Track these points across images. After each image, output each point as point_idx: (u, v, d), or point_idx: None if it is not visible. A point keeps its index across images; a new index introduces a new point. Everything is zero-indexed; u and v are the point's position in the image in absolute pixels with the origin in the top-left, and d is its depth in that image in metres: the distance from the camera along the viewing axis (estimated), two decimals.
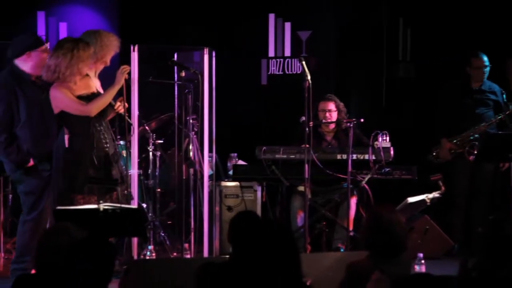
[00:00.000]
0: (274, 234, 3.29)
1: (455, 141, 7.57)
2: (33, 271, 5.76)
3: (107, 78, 6.17)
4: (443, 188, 7.40)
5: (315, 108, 7.41)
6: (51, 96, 5.84)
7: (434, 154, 7.67)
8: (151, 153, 7.53)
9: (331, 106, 7.54)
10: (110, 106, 5.96)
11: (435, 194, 7.40)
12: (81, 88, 5.90)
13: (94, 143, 5.86)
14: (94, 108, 5.84)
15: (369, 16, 8.78)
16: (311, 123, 6.71)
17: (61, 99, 5.81)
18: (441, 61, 8.55)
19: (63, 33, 9.07)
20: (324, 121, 7.52)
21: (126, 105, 6.08)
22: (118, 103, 6.00)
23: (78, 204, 5.65)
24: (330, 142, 7.60)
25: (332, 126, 7.59)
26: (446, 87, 7.81)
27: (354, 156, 7.03)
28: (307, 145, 6.66)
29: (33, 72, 6.05)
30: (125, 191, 6.15)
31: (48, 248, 3.69)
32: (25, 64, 6.07)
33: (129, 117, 6.28)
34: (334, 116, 7.54)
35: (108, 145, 5.93)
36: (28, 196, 6.08)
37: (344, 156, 7.05)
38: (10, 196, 7.60)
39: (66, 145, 5.83)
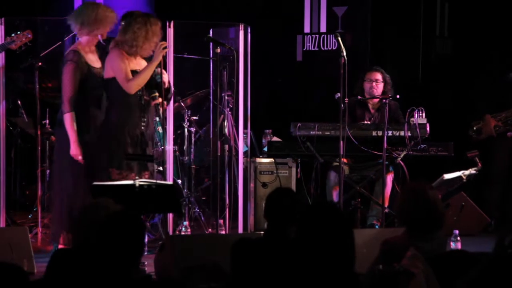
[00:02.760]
0: (319, 213, 3.28)
1: (498, 117, 7.46)
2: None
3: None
4: (479, 164, 7.33)
5: (361, 79, 7.44)
6: (109, 58, 5.93)
7: (475, 128, 7.55)
8: (186, 130, 7.56)
9: (378, 76, 7.52)
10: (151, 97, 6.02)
11: (472, 171, 7.34)
12: (135, 63, 5.98)
13: (132, 119, 5.91)
14: (135, 86, 5.90)
15: None
16: (346, 99, 6.68)
17: (117, 64, 5.88)
18: (479, 36, 8.44)
19: None
20: (364, 95, 7.50)
21: (166, 78, 6.13)
22: (159, 99, 6.04)
23: (114, 178, 5.70)
24: (373, 114, 7.59)
25: (376, 99, 7.54)
26: (487, 61, 7.70)
27: (390, 133, 7.00)
28: (345, 121, 6.65)
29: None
30: (160, 168, 6.19)
31: (85, 223, 3.72)
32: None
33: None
34: (380, 87, 7.51)
35: (144, 123, 5.98)
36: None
37: (380, 133, 7.02)
38: (48, 171, 7.68)
39: (104, 117, 5.92)
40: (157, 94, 6.01)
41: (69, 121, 5.93)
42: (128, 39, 5.91)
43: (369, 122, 7.39)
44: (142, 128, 5.97)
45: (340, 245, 3.17)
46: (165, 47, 6.02)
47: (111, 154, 5.85)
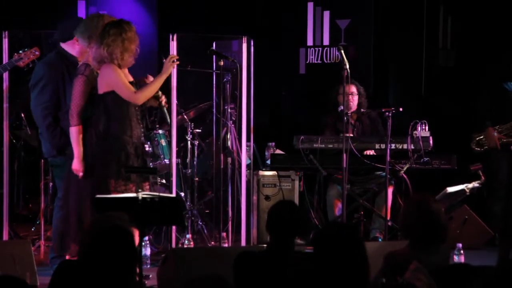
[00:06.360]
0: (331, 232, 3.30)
1: (499, 129, 7.40)
2: (67, 257, 5.86)
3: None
4: (483, 178, 7.33)
5: (335, 92, 7.45)
6: (102, 73, 5.75)
7: (477, 140, 7.47)
8: (189, 142, 7.56)
9: (353, 89, 7.53)
10: (153, 96, 5.96)
11: (475, 184, 7.33)
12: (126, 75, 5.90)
13: (132, 131, 5.84)
14: (142, 97, 5.80)
15: (409, 4, 8.70)
16: (349, 112, 6.69)
17: (115, 79, 5.72)
18: (482, 49, 8.44)
19: None
20: (350, 105, 7.48)
21: (164, 99, 6.08)
22: (163, 97, 6.00)
23: (116, 190, 5.65)
24: (354, 124, 7.59)
25: (355, 109, 7.55)
26: (487, 72, 7.69)
27: (393, 146, 6.99)
28: (347, 134, 6.65)
29: (79, 57, 6.09)
30: (163, 181, 6.16)
31: (93, 236, 3.72)
32: (72, 49, 6.12)
33: (169, 106, 6.30)
34: (356, 99, 7.55)
35: (143, 134, 5.95)
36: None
37: (383, 146, 7.01)
38: (51, 184, 7.68)
39: (101, 129, 5.82)
40: (160, 93, 5.95)
41: (75, 135, 5.83)
42: (105, 54, 5.72)
43: (351, 135, 7.35)
44: (142, 139, 5.93)
45: (355, 262, 3.21)
46: (175, 60, 5.97)
47: (109, 165, 5.76)
